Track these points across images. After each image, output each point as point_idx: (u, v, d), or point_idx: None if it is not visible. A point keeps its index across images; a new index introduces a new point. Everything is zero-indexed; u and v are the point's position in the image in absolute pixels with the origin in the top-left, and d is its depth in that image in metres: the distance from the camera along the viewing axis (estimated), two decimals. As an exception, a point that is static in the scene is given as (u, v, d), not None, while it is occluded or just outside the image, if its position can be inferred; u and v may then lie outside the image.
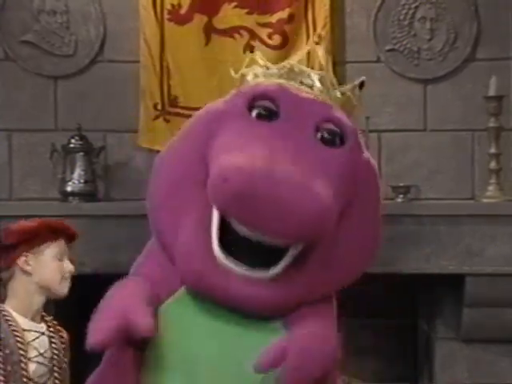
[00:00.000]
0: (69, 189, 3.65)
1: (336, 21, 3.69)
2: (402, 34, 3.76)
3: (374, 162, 2.31)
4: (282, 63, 2.32)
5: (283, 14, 3.67)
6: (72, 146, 3.65)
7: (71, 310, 3.53)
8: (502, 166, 3.57)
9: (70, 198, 3.65)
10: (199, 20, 3.70)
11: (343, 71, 3.68)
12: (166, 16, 3.71)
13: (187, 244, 2.13)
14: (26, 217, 3.09)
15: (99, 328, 1.97)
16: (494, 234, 3.46)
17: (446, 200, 3.70)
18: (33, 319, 2.56)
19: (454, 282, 3.52)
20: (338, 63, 3.65)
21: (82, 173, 3.66)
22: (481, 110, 3.60)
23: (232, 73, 2.34)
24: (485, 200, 3.58)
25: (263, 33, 3.69)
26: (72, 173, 3.65)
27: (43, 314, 2.61)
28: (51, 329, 2.61)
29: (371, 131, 3.61)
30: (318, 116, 2.20)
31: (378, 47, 3.75)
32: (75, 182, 3.64)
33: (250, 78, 2.33)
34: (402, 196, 3.55)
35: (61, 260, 2.60)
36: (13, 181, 3.76)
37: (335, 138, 2.17)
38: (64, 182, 3.65)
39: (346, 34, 3.68)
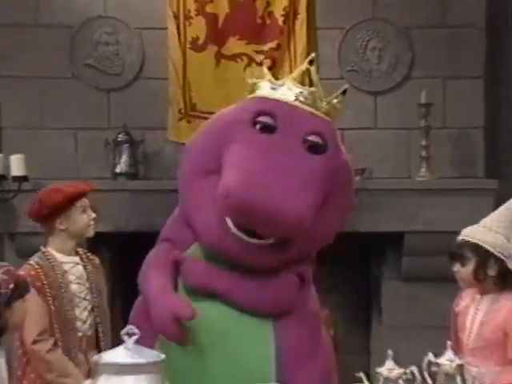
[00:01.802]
0: (118, 170, 4.04)
1: (311, 49, 4.02)
2: (358, 59, 4.18)
3: (349, 160, 2.49)
4: (282, 79, 2.50)
5: (273, 44, 4.11)
6: (120, 139, 4.06)
7: (121, 254, 4.06)
8: (430, 155, 4.04)
9: (119, 177, 4.04)
10: (211, 49, 4.11)
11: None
12: (187, 46, 4.10)
13: (206, 219, 2.37)
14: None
15: (162, 327, 2.28)
16: (425, 203, 3.93)
17: (391, 179, 4.11)
18: (68, 254, 2.84)
19: (397, 238, 4.00)
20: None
21: (127, 159, 4.05)
22: (415, 114, 4.05)
23: (248, 79, 2.55)
24: (418, 179, 4.05)
25: (258, 58, 4.12)
26: (120, 159, 4.06)
27: (77, 249, 2.90)
28: (84, 259, 2.88)
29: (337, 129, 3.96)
30: (306, 129, 2.35)
31: (341, 68, 4.18)
32: (122, 165, 4.05)
33: (259, 88, 2.49)
34: (359, 176, 3.87)
35: (85, 212, 2.83)
36: (78, 165, 4.16)
37: (318, 147, 2.38)
38: (114, 165, 4.05)
39: (319, 59, 3.70)
